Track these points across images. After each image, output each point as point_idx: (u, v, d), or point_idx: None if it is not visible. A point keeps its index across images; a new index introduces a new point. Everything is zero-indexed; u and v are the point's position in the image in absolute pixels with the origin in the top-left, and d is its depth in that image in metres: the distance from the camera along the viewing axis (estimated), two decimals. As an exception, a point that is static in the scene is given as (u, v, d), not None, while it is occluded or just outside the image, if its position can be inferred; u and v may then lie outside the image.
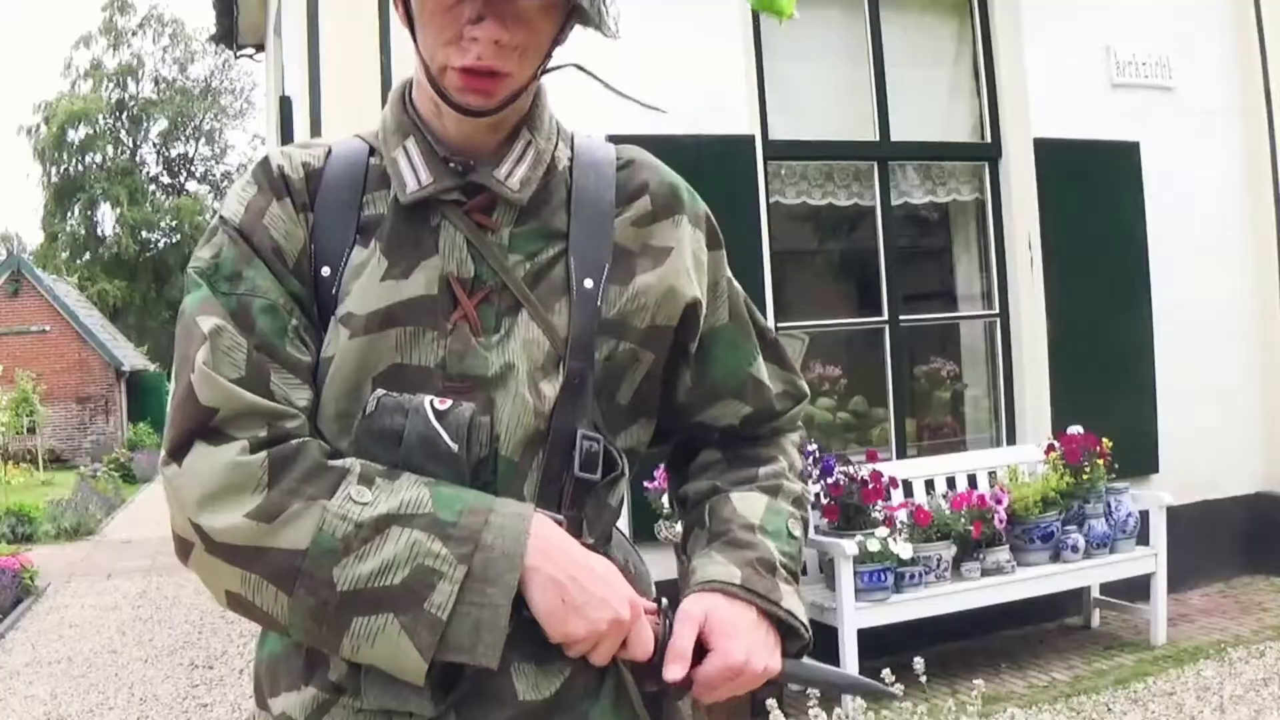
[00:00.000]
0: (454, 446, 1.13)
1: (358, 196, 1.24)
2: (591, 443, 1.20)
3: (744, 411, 1.37)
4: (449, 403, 1.15)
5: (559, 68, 1.27)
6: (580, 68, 1.34)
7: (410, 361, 1.18)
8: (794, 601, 1.26)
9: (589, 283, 1.23)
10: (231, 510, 1.09)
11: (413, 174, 1.22)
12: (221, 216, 1.23)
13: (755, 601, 1.22)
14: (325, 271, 1.21)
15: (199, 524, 1.09)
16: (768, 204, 5.43)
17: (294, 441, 1.13)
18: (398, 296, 1.19)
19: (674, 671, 1.17)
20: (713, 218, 1.37)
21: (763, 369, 1.38)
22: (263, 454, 1.11)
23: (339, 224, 1.23)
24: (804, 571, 4.90)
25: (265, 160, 1.27)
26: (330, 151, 1.28)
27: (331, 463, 1.13)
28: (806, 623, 1.27)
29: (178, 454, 1.12)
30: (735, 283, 1.39)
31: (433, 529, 1.09)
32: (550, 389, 1.19)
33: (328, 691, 1.18)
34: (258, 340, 1.16)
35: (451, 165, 1.22)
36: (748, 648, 1.20)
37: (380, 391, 1.15)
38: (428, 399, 1.15)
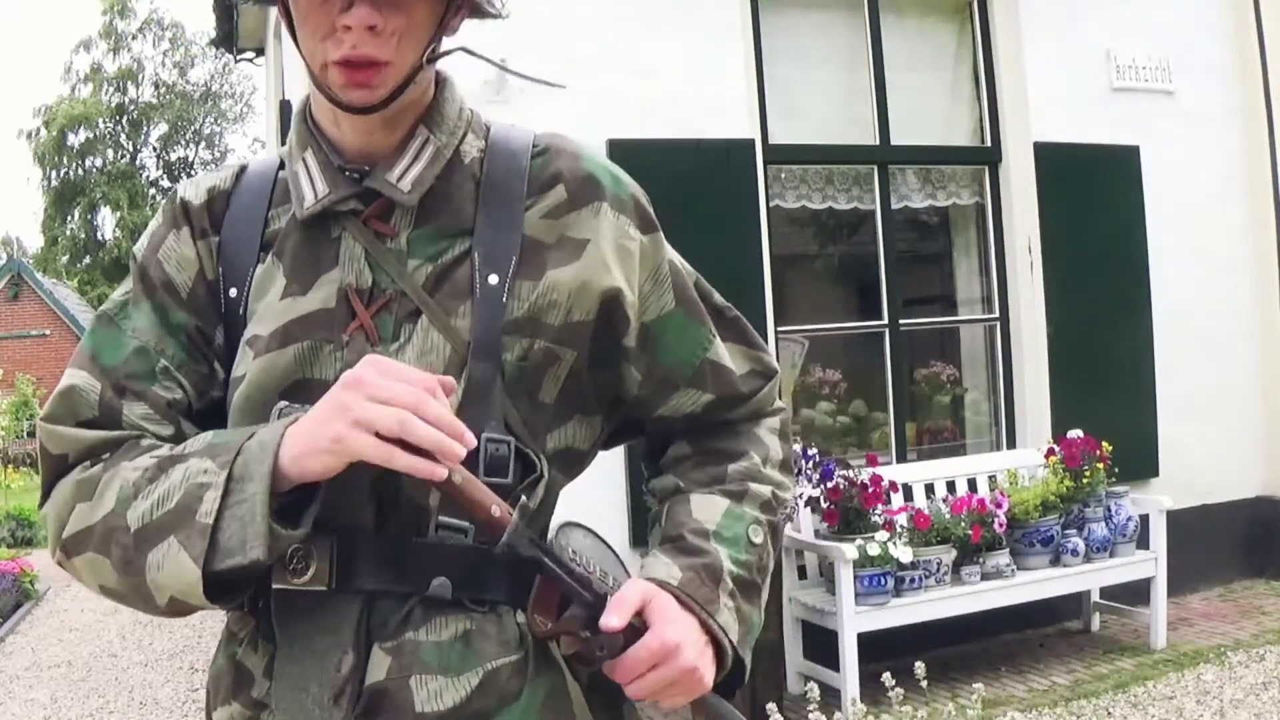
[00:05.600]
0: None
1: (263, 213, 1.24)
2: (498, 445, 1.15)
3: (705, 399, 1.29)
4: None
5: (447, 53, 1.23)
6: (468, 50, 1.29)
7: (312, 376, 1.17)
8: (729, 619, 1.18)
9: (494, 279, 1.18)
10: (75, 509, 1.15)
11: (310, 187, 1.21)
12: (133, 253, 1.28)
13: (694, 610, 1.16)
14: (233, 292, 1.22)
15: (61, 539, 1.15)
16: (768, 208, 5.43)
17: (130, 441, 1.17)
18: (296, 312, 1.18)
19: (612, 618, 1.10)
20: (644, 200, 1.29)
21: (722, 351, 1.31)
22: (100, 464, 1.16)
23: (245, 243, 1.23)
24: (803, 575, 4.95)
25: (173, 192, 1.28)
26: (243, 170, 1.28)
27: (150, 442, 1.17)
28: (738, 645, 1.19)
29: (45, 497, 1.19)
30: (683, 264, 1.32)
31: (206, 453, 1.11)
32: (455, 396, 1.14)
33: (250, 708, 1.18)
34: (119, 380, 1.19)
35: (347, 174, 1.20)
36: (684, 638, 1.13)
37: (282, 403, 1.15)
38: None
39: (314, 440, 1.06)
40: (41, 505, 1.20)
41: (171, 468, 1.11)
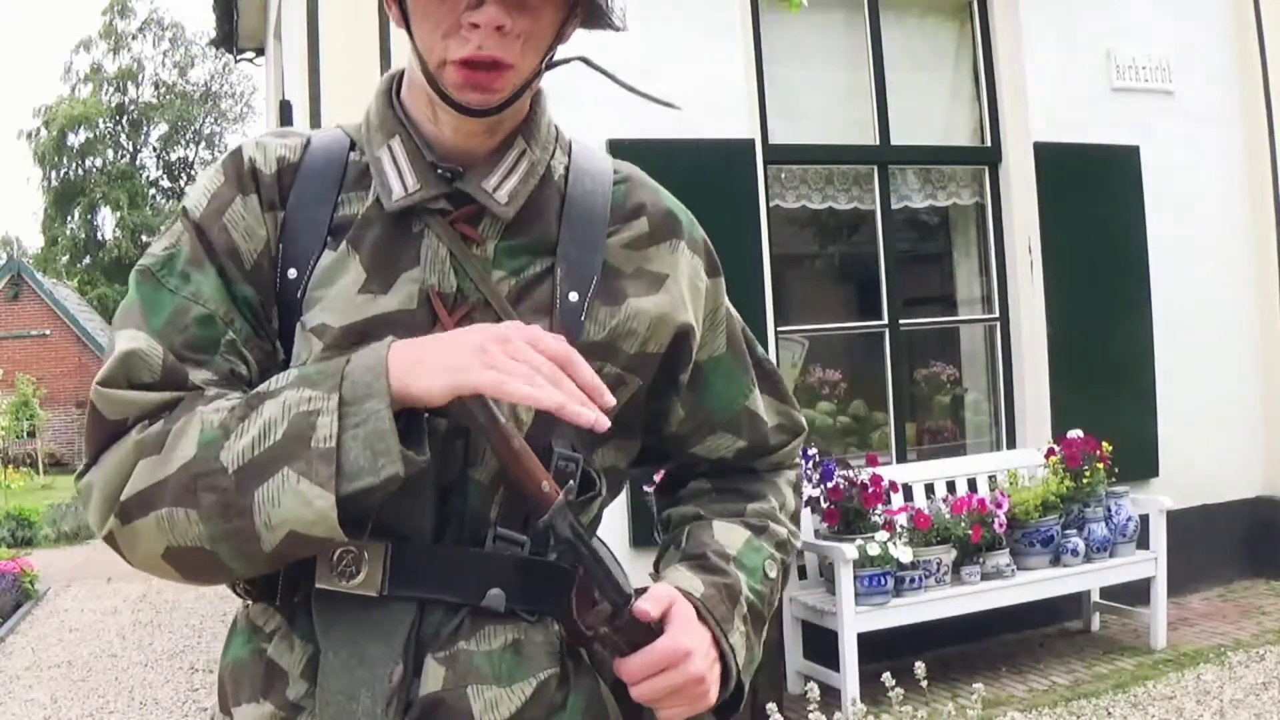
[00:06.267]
0: (421, 460, 1.06)
1: (333, 195, 1.18)
2: (568, 462, 1.14)
3: (738, 445, 1.32)
4: (424, 415, 1.09)
5: (565, 62, 1.21)
6: (587, 61, 1.26)
7: None
8: (740, 641, 1.19)
9: (574, 296, 1.18)
10: (138, 468, 1.06)
11: (398, 178, 1.16)
12: (184, 207, 1.18)
13: (710, 625, 1.16)
14: (292, 274, 1.16)
15: (118, 498, 1.06)
16: (768, 208, 5.43)
17: (193, 394, 1.09)
18: (375, 310, 1.14)
19: (648, 606, 1.10)
20: (711, 245, 1.31)
21: (759, 402, 1.33)
22: (160, 421, 1.07)
23: (311, 224, 1.17)
24: (803, 575, 4.94)
25: (237, 150, 1.20)
26: (309, 143, 1.21)
27: (215, 391, 1.09)
28: (741, 670, 1.20)
29: (91, 465, 1.09)
30: (734, 312, 1.34)
31: (300, 384, 1.05)
32: (527, 412, 1.13)
33: (286, 710, 1.13)
34: (181, 348, 1.11)
35: (440, 171, 1.16)
36: (698, 648, 1.13)
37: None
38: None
39: (428, 361, 1.04)
40: (82, 476, 1.10)
41: (262, 404, 1.05)
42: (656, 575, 1.27)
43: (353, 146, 1.21)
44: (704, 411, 1.30)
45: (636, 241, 1.24)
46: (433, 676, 1.11)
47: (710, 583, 1.20)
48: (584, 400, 1.03)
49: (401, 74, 1.23)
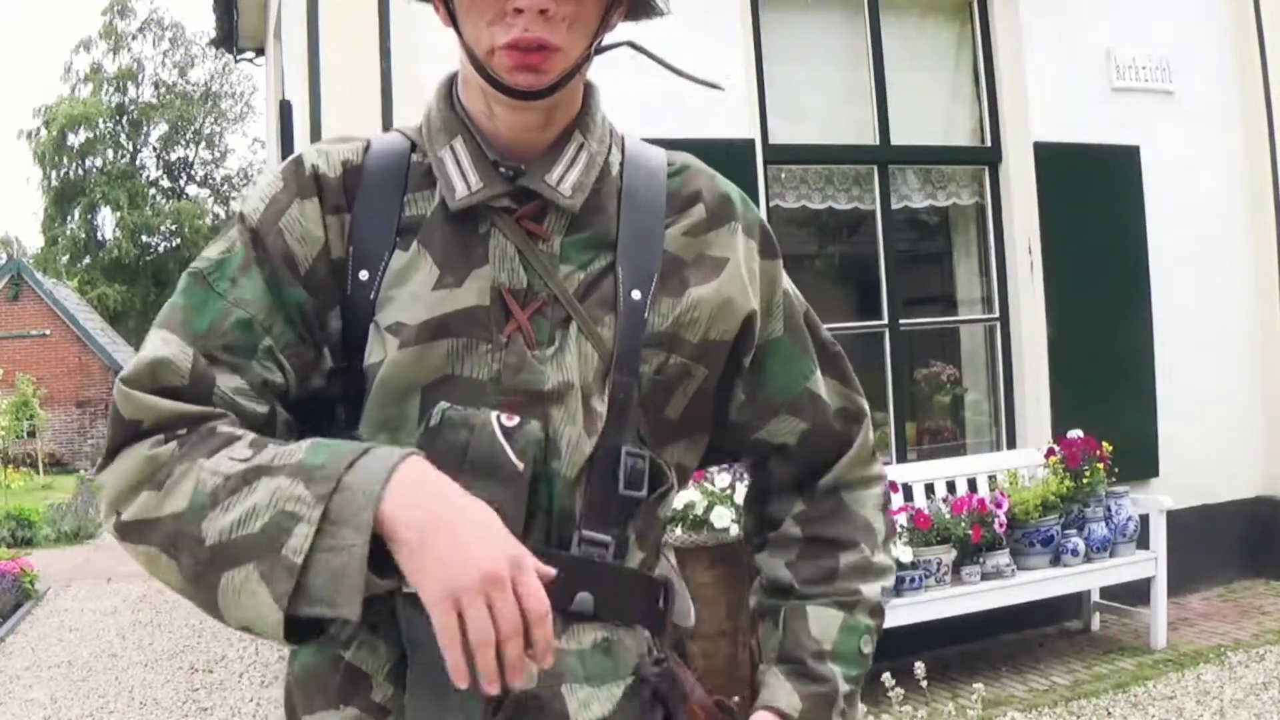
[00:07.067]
0: (519, 465, 1.09)
1: (399, 196, 1.19)
2: (636, 459, 1.16)
3: (801, 428, 1.30)
4: (516, 419, 1.11)
5: (614, 46, 1.23)
6: (634, 45, 1.27)
7: (462, 373, 1.13)
8: None
9: (637, 294, 1.18)
10: (141, 494, 1.06)
11: (461, 178, 1.17)
12: (241, 213, 1.19)
13: None
14: (363, 275, 1.16)
15: (118, 513, 1.07)
16: (768, 208, 5.44)
17: (207, 425, 1.08)
18: (450, 306, 1.14)
19: None
20: (768, 226, 1.32)
21: (820, 384, 1.32)
22: (174, 443, 1.07)
23: (379, 226, 1.17)
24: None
25: (299, 157, 1.21)
26: (369, 147, 1.22)
27: (228, 429, 1.08)
28: None
29: (107, 463, 1.11)
30: (796, 293, 1.33)
31: (298, 474, 1.02)
32: (601, 406, 1.15)
33: (372, 713, 1.13)
34: (219, 351, 1.11)
35: (502, 170, 1.17)
36: None
37: (444, 404, 1.11)
38: (494, 414, 1.11)
39: (429, 540, 0.98)
40: (101, 469, 1.11)
41: (257, 480, 1.02)
42: (756, 629, 1.32)
43: (414, 148, 1.22)
44: (763, 395, 1.29)
45: (695, 228, 1.25)
46: (525, 675, 1.10)
47: (807, 695, 1.24)
48: (491, 680, 0.97)
49: (456, 75, 1.24)
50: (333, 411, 1.18)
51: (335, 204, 1.18)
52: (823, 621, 1.28)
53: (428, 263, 1.16)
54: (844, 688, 1.27)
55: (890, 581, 1.35)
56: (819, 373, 1.32)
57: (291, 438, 1.12)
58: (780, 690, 1.24)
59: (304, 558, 0.98)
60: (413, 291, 1.15)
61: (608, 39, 1.20)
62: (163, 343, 1.11)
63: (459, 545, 0.98)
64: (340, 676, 1.14)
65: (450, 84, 1.24)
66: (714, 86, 1.38)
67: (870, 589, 1.31)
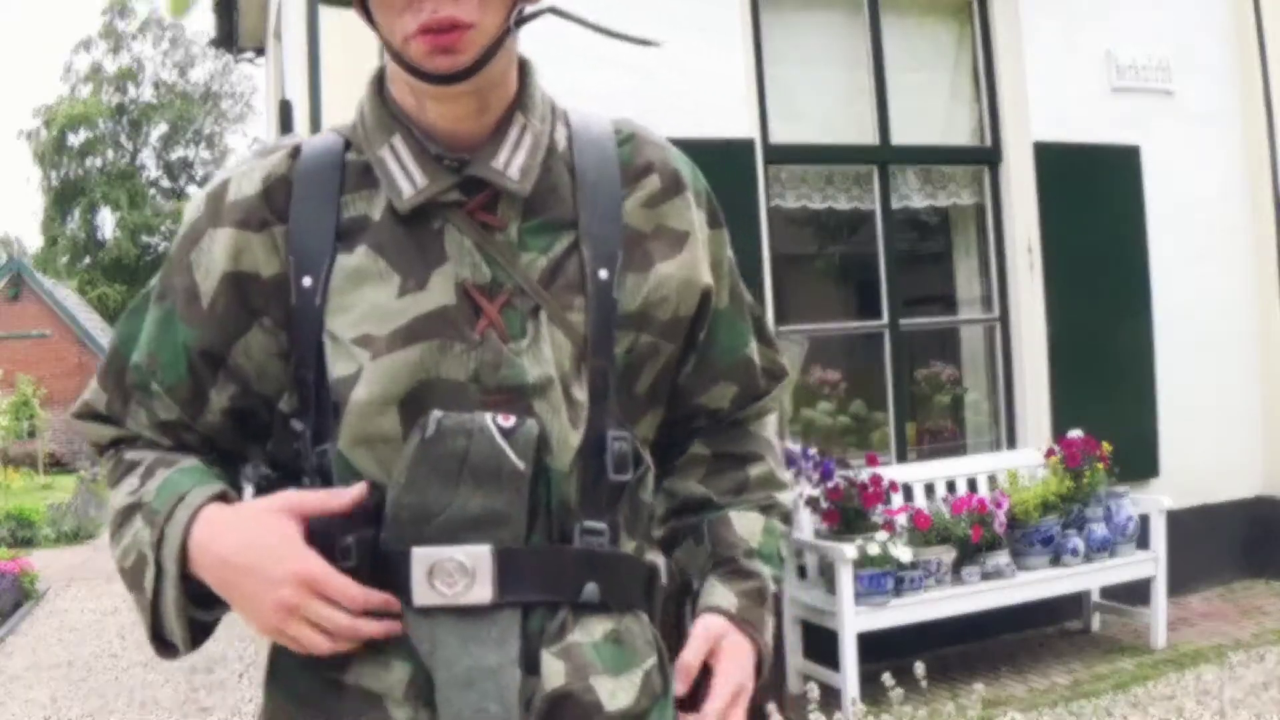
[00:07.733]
0: (520, 465, 1.08)
1: (334, 199, 1.16)
2: (621, 443, 1.15)
3: (732, 392, 1.31)
4: (512, 420, 1.09)
5: (534, 15, 1.17)
6: (557, 11, 1.23)
7: (439, 376, 1.11)
8: (770, 633, 1.29)
9: (604, 273, 1.16)
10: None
11: (405, 177, 1.14)
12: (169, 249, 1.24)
13: (749, 633, 1.24)
14: (307, 281, 1.14)
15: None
16: (768, 208, 5.43)
17: (119, 451, 1.24)
18: (417, 310, 1.12)
19: (679, 687, 1.20)
20: (713, 196, 1.31)
21: (754, 349, 1.33)
22: (111, 463, 1.24)
23: (317, 231, 1.15)
24: (803, 574, 4.95)
25: (222, 180, 1.19)
26: (299, 151, 1.19)
27: (131, 455, 1.21)
28: (769, 649, 1.29)
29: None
30: (732, 257, 1.33)
31: (147, 517, 1.15)
32: (581, 393, 1.14)
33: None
34: (128, 385, 1.22)
35: (445, 163, 1.14)
36: (745, 673, 1.23)
37: (437, 413, 1.09)
38: (488, 417, 1.09)
39: (231, 579, 1.12)
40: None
41: (132, 518, 1.16)
42: (672, 560, 1.31)
43: (348, 147, 1.19)
44: (707, 362, 1.29)
45: (652, 199, 1.23)
46: (553, 673, 1.11)
47: (742, 591, 1.26)
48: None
49: (384, 71, 1.22)
50: (286, 424, 1.17)
51: (261, 219, 1.16)
52: (746, 522, 1.30)
53: (384, 268, 1.14)
54: (770, 586, 1.29)
55: (790, 491, 1.39)
56: (753, 338, 1.34)
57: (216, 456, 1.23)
58: (716, 591, 1.26)
59: (152, 595, 1.14)
60: (375, 302, 1.13)
61: (529, 9, 1.16)
62: (91, 385, 1.25)
63: (249, 597, 1.10)
64: (338, 701, 1.13)
65: (380, 80, 1.21)
66: (648, 44, 1.31)
67: (782, 496, 1.35)
